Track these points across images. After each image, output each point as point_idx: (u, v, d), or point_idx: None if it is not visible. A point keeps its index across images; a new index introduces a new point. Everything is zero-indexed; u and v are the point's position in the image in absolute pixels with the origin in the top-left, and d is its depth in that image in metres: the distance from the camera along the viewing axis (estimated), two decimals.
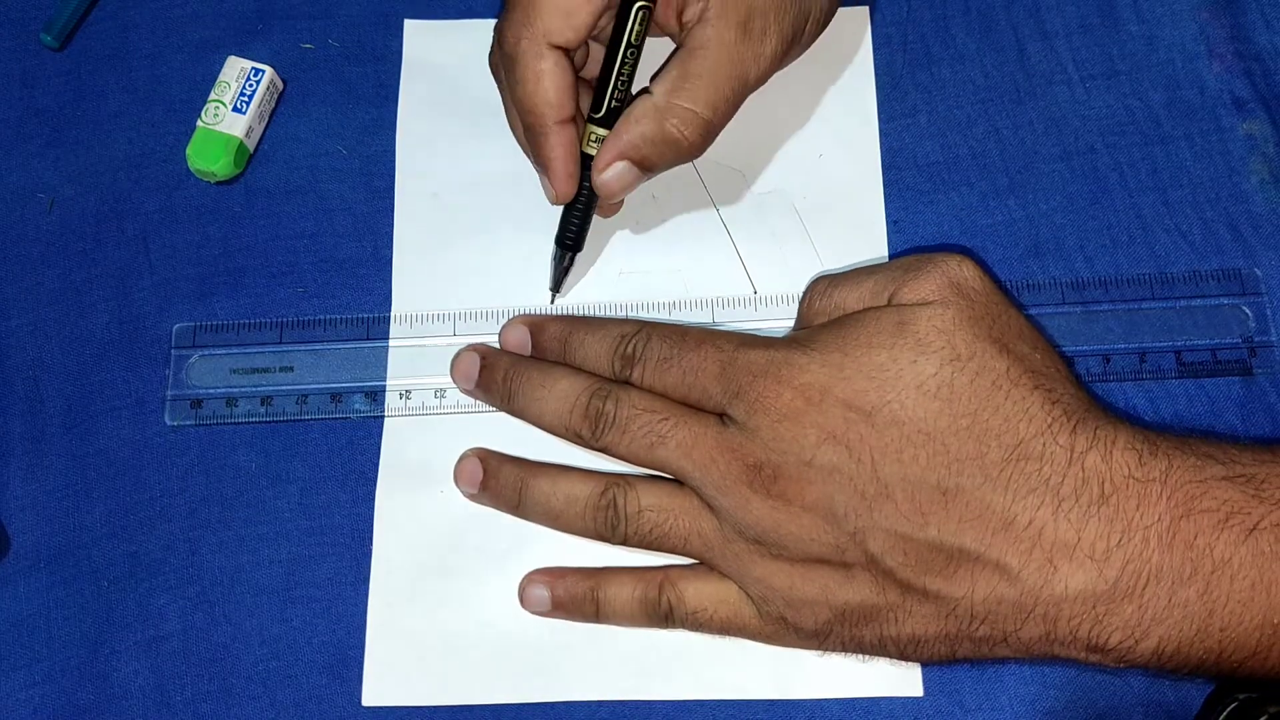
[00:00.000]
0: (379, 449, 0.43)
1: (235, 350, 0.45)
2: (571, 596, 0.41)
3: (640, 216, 0.46)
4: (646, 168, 0.40)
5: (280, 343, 0.45)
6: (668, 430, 0.38)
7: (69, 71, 0.49)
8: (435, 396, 0.44)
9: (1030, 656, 0.36)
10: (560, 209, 0.42)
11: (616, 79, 0.40)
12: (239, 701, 0.41)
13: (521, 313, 0.44)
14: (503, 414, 0.43)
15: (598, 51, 0.42)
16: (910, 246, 0.45)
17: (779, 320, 0.44)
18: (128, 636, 0.42)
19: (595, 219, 0.43)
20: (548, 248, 0.43)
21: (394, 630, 0.41)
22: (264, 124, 0.47)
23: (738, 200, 0.46)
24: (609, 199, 0.41)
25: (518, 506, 0.41)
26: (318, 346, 0.45)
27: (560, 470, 0.41)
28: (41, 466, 0.44)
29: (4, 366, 0.45)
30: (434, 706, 0.41)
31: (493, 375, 0.42)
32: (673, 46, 0.41)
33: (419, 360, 0.44)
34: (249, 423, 0.44)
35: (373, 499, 0.43)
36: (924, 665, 0.40)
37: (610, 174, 0.40)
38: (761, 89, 0.40)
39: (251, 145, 0.47)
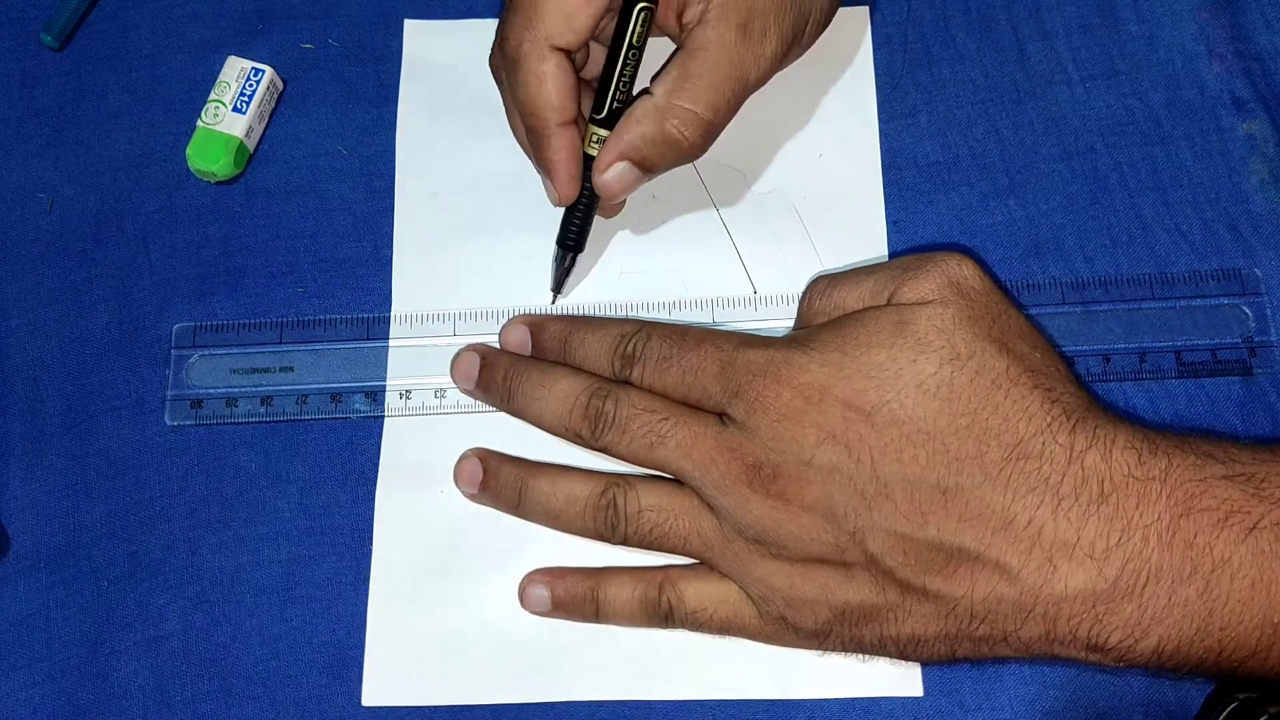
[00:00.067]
0: (379, 449, 0.43)
1: (235, 350, 0.45)
2: (571, 596, 0.41)
3: (640, 217, 0.46)
4: (647, 168, 0.40)
5: (280, 343, 0.45)
6: (667, 430, 0.38)
7: (69, 71, 0.49)
8: (435, 396, 0.44)
9: (1030, 656, 0.36)
10: (561, 210, 0.42)
11: (618, 80, 0.40)
12: (239, 701, 0.41)
13: (521, 313, 0.44)
14: (503, 414, 0.43)
15: (598, 52, 0.42)
16: (910, 246, 0.45)
17: (779, 320, 0.44)
18: (128, 636, 0.42)
19: (596, 219, 0.43)
20: (548, 248, 0.43)
21: (394, 630, 0.41)
22: (264, 124, 0.47)
23: (738, 200, 0.46)
24: (610, 200, 0.41)
25: (518, 506, 0.41)
26: (318, 346, 0.45)
27: (560, 470, 0.41)
28: (41, 466, 0.44)
29: (4, 366, 0.45)
30: (434, 706, 0.41)
31: (493, 375, 0.42)
32: (673, 47, 0.41)
33: (419, 360, 0.44)
34: (249, 423, 0.44)
35: (373, 499, 0.43)
36: (924, 665, 0.40)
37: (611, 174, 0.40)
38: (762, 89, 0.40)
39: (251, 145, 0.47)
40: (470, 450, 0.43)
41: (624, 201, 0.44)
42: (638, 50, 0.40)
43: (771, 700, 0.40)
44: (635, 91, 0.40)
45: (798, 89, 0.47)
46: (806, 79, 0.46)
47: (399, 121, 0.48)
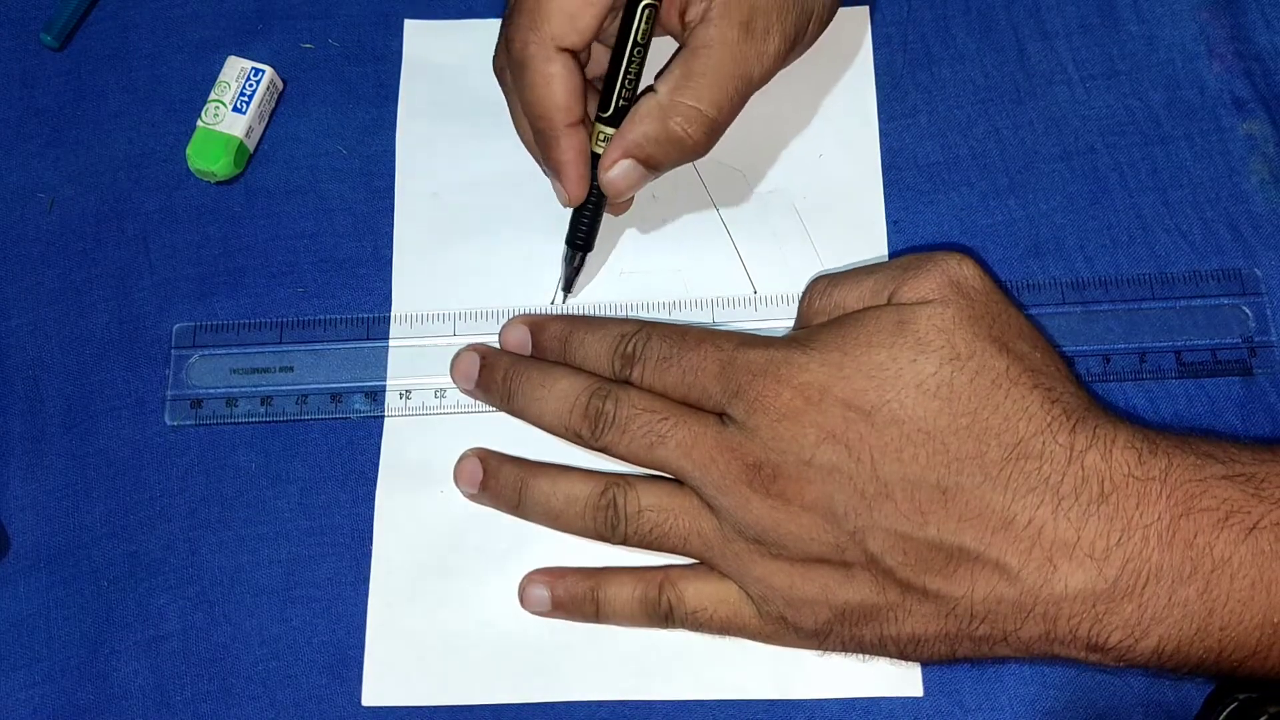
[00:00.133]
0: (379, 449, 0.43)
1: (235, 350, 0.45)
2: (571, 596, 0.41)
3: (641, 216, 0.46)
4: (652, 166, 0.40)
5: (280, 343, 0.45)
6: (667, 430, 0.38)
7: (69, 71, 0.49)
8: (435, 396, 0.44)
9: (1030, 656, 0.36)
10: (569, 209, 0.42)
11: (624, 78, 0.40)
12: (239, 701, 0.41)
13: (521, 313, 0.44)
14: (503, 414, 0.43)
15: (599, 53, 0.42)
16: (910, 246, 0.45)
17: (779, 320, 0.44)
18: (128, 636, 0.42)
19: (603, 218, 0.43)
20: (548, 248, 0.43)
21: (394, 630, 0.41)
22: (264, 124, 0.47)
23: (738, 200, 0.46)
24: (615, 198, 0.41)
25: (518, 506, 0.41)
26: (318, 346, 0.45)
27: (560, 470, 0.41)
28: (41, 466, 0.44)
29: (4, 366, 0.45)
30: (434, 706, 0.41)
31: (493, 375, 0.42)
32: (675, 47, 0.41)
33: (419, 360, 0.44)
34: (249, 423, 0.44)
35: (373, 499, 0.43)
36: (924, 665, 0.40)
37: (616, 172, 0.40)
38: (762, 89, 0.40)
39: (251, 145, 0.47)
40: (470, 450, 0.43)
41: (632, 199, 0.44)
42: (643, 48, 0.40)
43: (771, 700, 0.40)
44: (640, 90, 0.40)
45: (798, 89, 0.47)
46: (807, 79, 0.46)
47: (399, 121, 0.48)
